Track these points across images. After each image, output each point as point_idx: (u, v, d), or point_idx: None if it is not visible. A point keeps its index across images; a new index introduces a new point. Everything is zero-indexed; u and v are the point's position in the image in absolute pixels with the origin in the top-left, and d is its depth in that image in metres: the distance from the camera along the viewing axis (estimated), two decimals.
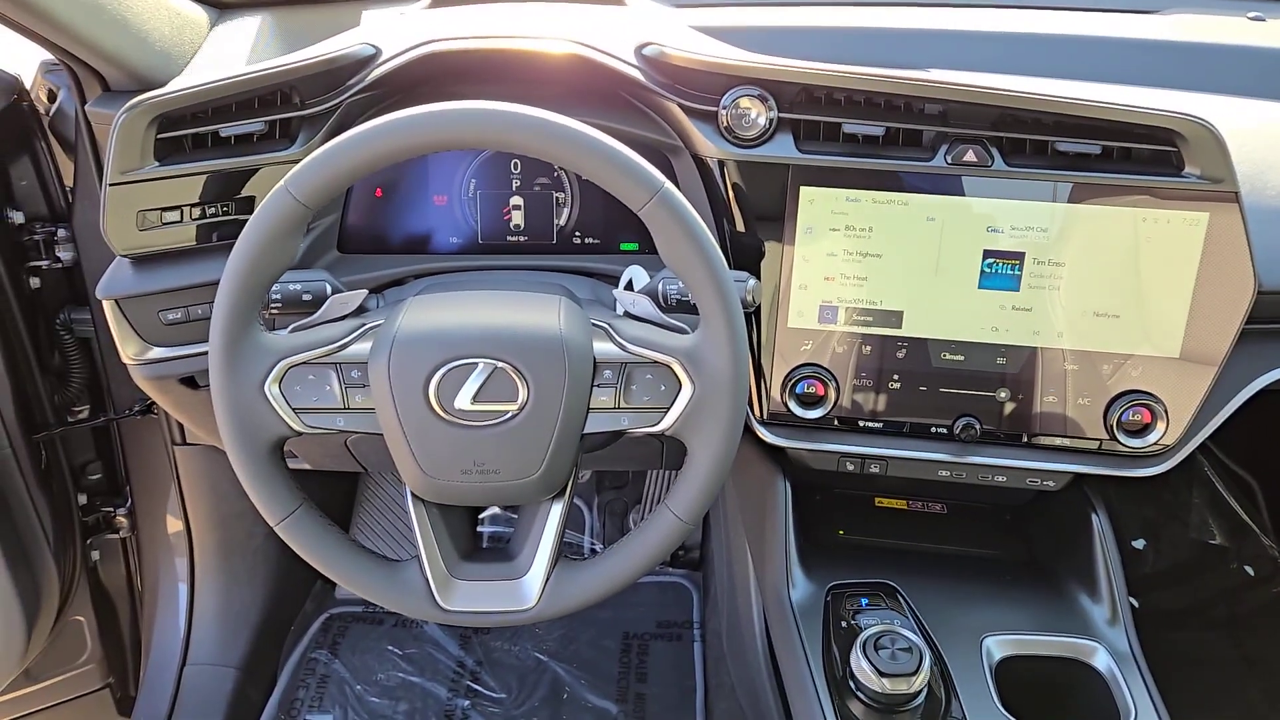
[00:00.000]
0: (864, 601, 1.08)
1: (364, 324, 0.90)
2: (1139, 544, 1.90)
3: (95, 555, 1.60)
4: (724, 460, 0.89)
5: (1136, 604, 1.85)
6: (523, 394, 0.86)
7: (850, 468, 1.15)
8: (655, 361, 0.89)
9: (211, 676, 1.55)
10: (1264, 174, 1.12)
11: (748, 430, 1.15)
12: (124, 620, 1.68)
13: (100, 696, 1.65)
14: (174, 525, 1.60)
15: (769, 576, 1.12)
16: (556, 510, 0.93)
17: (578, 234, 1.16)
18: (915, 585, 1.10)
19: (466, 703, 1.60)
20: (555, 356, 0.86)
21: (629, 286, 1.02)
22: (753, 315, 1.08)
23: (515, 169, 1.14)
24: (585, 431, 0.90)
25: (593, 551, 1.85)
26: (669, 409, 0.89)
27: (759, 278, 1.06)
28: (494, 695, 1.62)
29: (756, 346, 1.08)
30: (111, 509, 1.60)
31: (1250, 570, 1.87)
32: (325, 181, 0.82)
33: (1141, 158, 1.01)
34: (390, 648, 1.68)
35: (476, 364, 0.85)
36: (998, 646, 1.04)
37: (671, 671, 1.65)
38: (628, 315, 0.94)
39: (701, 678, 1.64)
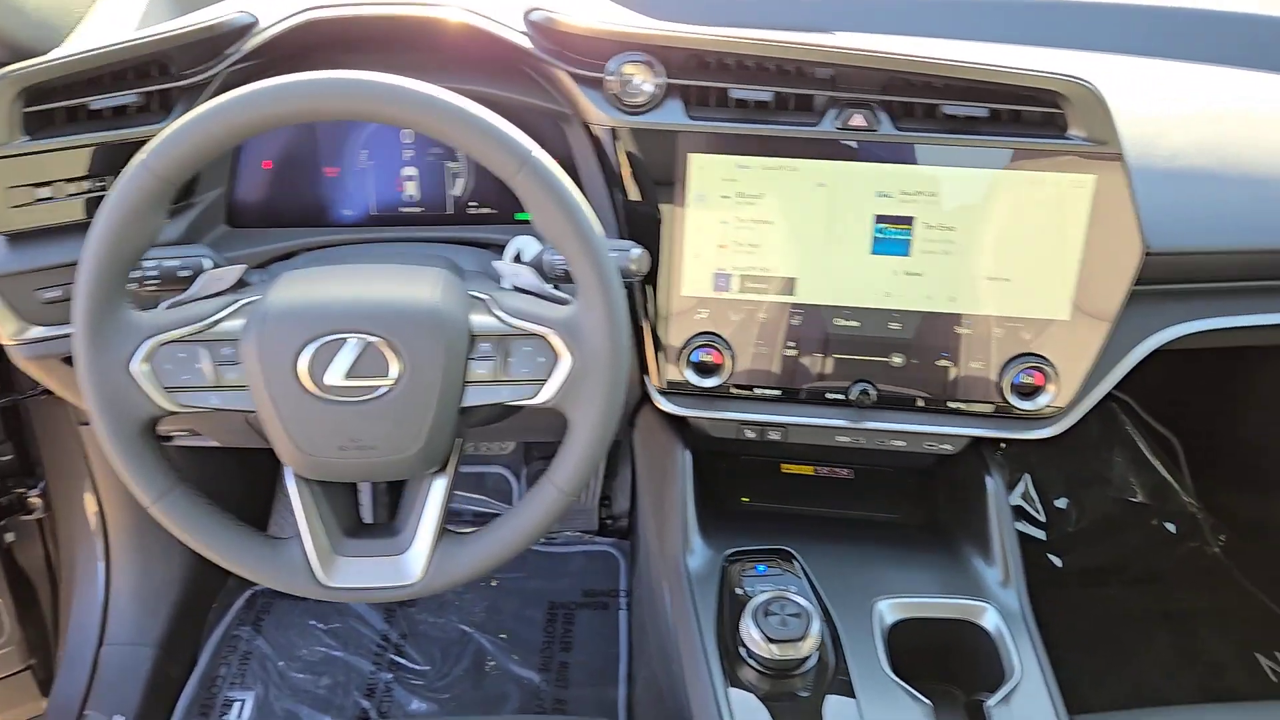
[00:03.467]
0: (761, 568, 1.08)
1: (238, 300, 0.88)
2: (1062, 503, 1.93)
3: (9, 537, 1.58)
4: (604, 431, 0.88)
5: (1060, 562, 1.88)
6: (396, 369, 0.85)
7: (750, 435, 1.15)
8: (533, 334, 0.88)
9: (129, 656, 1.53)
10: (1153, 136, 1.13)
11: (648, 400, 1.15)
12: (44, 602, 1.66)
13: (21, 679, 1.63)
14: (89, 505, 1.58)
15: (668, 544, 1.12)
16: (439, 485, 0.93)
17: (473, 204, 1.14)
18: (813, 550, 1.11)
19: (389, 676, 1.60)
20: (429, 330, 0.85)
21: (518, 258, 1.01)
22: (647, 284, 1.07)
23: (408, 139, 1.12)
24: (464, 405, 0.89)
25: None
26: (548, 381, 0.88)
27: (656, 247, 1.05)
28: (417, 668, 1.62)
29: (653, 316, 1.08)
30: (24, 490, 1.57)
31: (1171, 527, 1.91)
32: (184, 155, 0.80)
33: (1032, 120, 1.01)
34: (314, 623, 1.68)
35: (346, 339, 0.84)
36: (890, 610, 1.05)
37: (597, 639, 1.66)
38: (510, 287, 0.93)
39: (625, 645, 1.64)
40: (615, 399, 0.88)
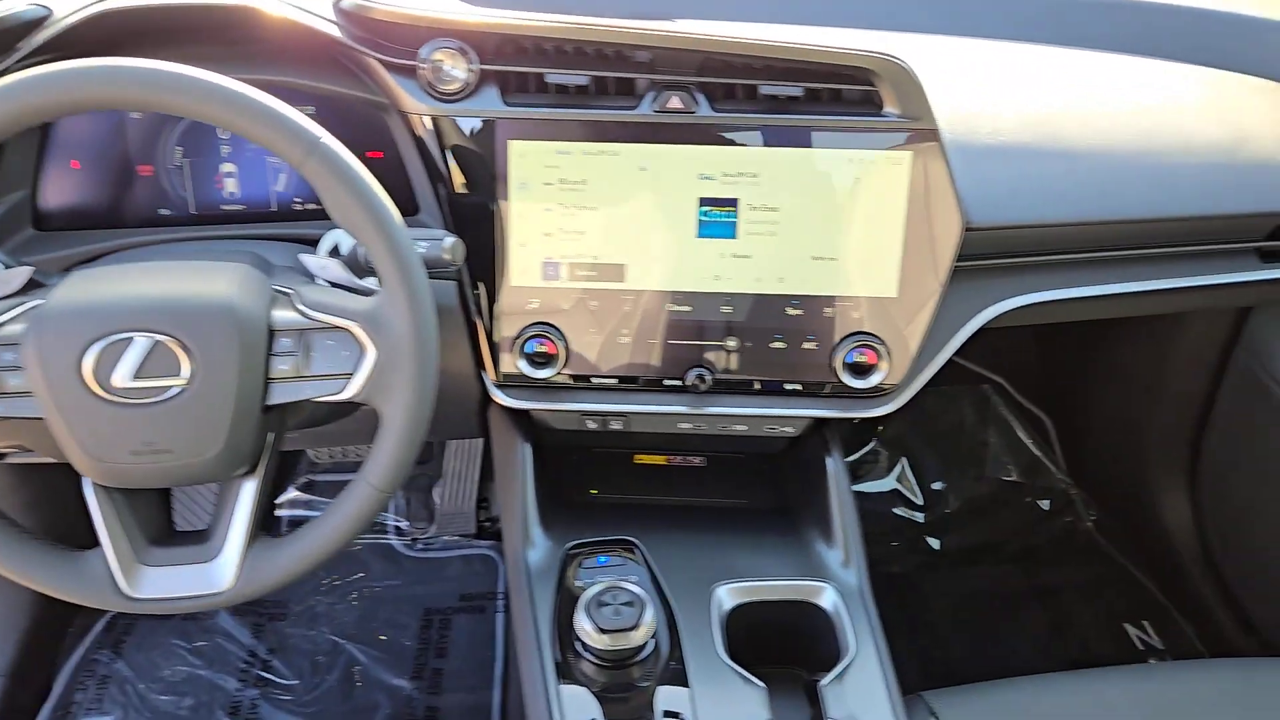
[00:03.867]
0: (602, 559, 1.07)
1: (22, 303, 0.84)
2: (939, 485, 1.95)
3: None
4: (415, 425, 0.86)
5: (938, 544, 1.90)
6: (188, 368, 0.82)
7: (592, 426, 1.14)
8: (335, 326, 0.85)
9: None
10: (972, 113, 1.14)
11: (488, 395, 1.13)
12: None
13: None
14: None
15: (510, 539, 1.10)
16: (249, 488, 0.89)
17: (298, 200, 1.11)
18: (657, 539, 1.10)
19: (255, 692, 1.55)
20: (221, 327, 0.82)
21: (335, 252, 0.98)
22: (478, 278, 1.05)
23: (225, 134, 1.09)
24: (269, 403, 0.86)
25: (398, 530, 1.82)
26: (354, 375, 0.86)
27: (483, 238, 1.03)
28: (285, 682, 1.57)
29: (485, 308, 1.06)
30: None
31: (1044, 504, 1.94)
32: None
33: (850, 99, 1.01)
34: (177, 642, 1.62)
35: (133, 338, 0.81)
36: (729, 595, 1.04)
37: (472, 644, 1.63)
38: (319, 281, 0.91)
39: (501, 648, 1.62)
40: (424, 391, 0.86)
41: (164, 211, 1.10)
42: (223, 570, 0.89)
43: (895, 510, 1.90)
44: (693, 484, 1.26)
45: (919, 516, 1.90)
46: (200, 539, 0.91)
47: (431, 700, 1.55)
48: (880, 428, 1.96)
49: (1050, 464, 1.95)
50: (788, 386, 1.09)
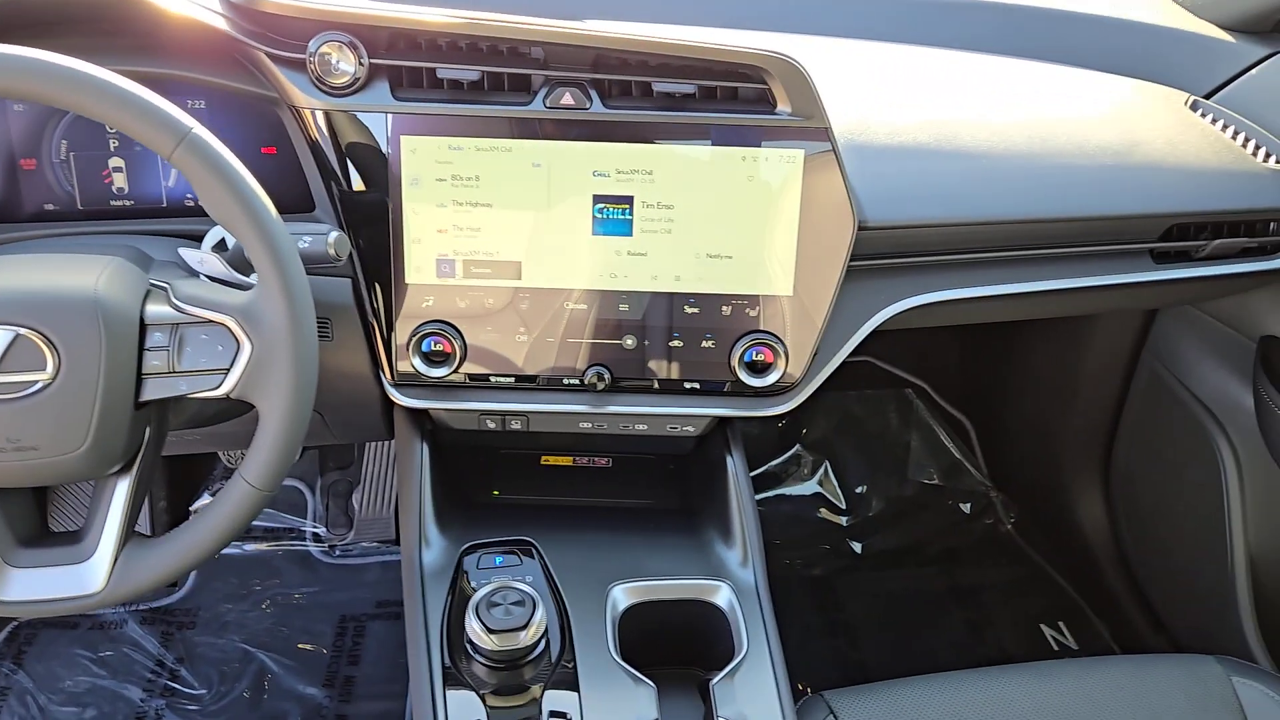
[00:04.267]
0: (498, 560, 1.06)
1: None
2: (861, 489, 1.96)
3: None
4: (294, 421, 0.84)
5: (859, 548, 1.91)
6: (51, 362, 0.80)
7: (492, 425, 1.13)
8: (210, 320, 0.84)
9: None
10: (868, 113, 1.15)
11: (385, 395, 1.12)
12: None
13: None
14: None
15: (406, 539, 1.08)
16: (123, 487, 0.87)
17: (189, 197, 1.09)
18: (556, 540, 1.09)
19: (162, 702, 1.52)
20: (87, 319, 0.80)
21: (221, 247, 0.96)
22: (373, 278, 1.04)
23: (112, 129, 1.07)
24: (144, 399, 0.84)
25: (315, 537, 1.79)
26: (230, 370, 0.84)
27: (377, 235, 1.02)
28: (192, 692, 1.54)
29: (379, 306, 1.05)
30: None
31: (966, 507, 1.96)
32: None
33: (745, 97, 1.01)
34: (81, 652, 1.58)
35: None
36: (624, 594, 1.03)
37: (386, 651, 1.61)
38: (199, 277, 0.89)
39: None
40: (303, 387, 0.84)
41: (49, 207, 1.07)
42: (95, 572, 0.87)
43: (818, 514, 1.91)
44: (598, 485, 1.25)
45: (842, 520, 1.91)
46: (73, 540, 0.88)
47: (342, 708, 1.52)
48: (804, 430, 1.97)
49: (971, 467, 1.97)
50: (687, 385, 1.08)
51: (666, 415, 1.11)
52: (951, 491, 1.95)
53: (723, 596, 1.04)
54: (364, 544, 1.78)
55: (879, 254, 1.09)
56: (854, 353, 2.04)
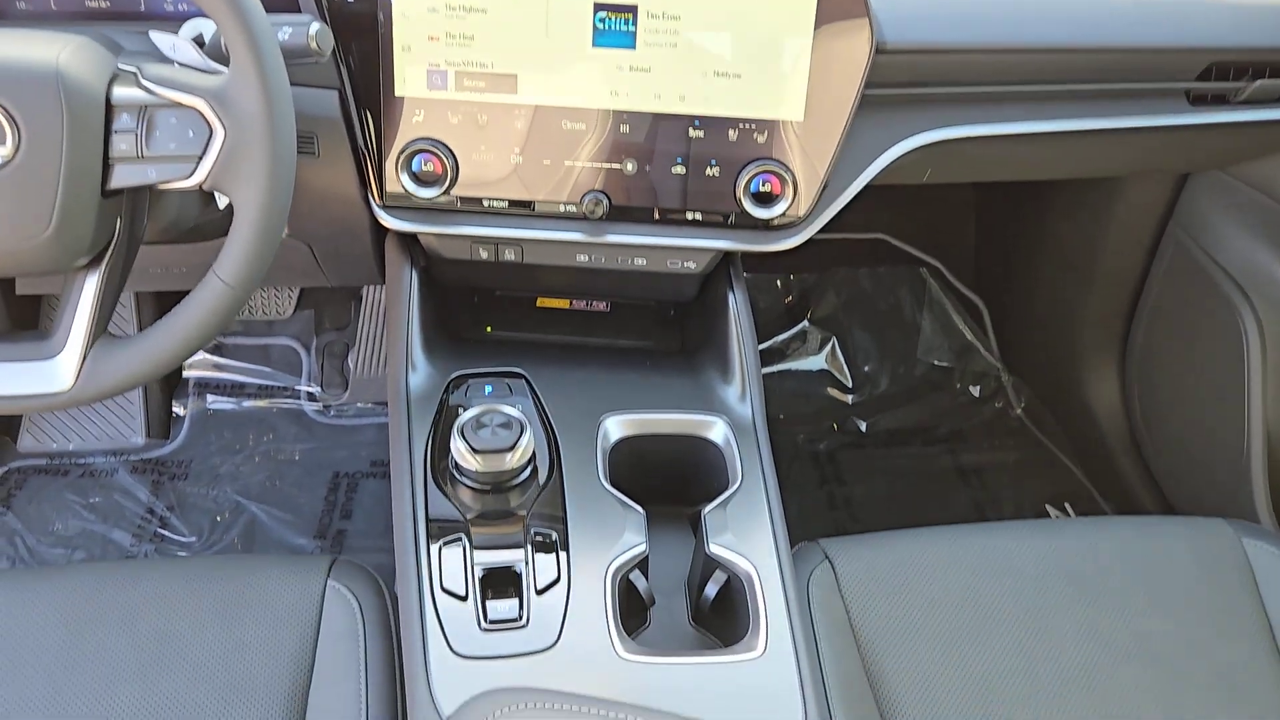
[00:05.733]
0: (488, 389, 1.02)
1: None
2: (869, 368, 1.92)
3: None
4: (269, 214, 0.80)
5: (864, 427, 1.88)
6: (11, 139, 0.75)
7: (484, 255, 1.08)
8: (180, 104, 0.79)
9: None
10: None
11: (375, 220, 1.07)
12: None
13: None
14: None
15: (393, 363, 1.04)
16: (91, 282, 0.83)
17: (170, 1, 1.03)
18: (548, 373, 1.05)
19: (151, 547, 1.51)
20: (48, 93, 0.75)
21: (198, 42, 0.91)
22: (360, 85, 0.98)
23: None
24: (111, 187, 0.80)
25: (310, 396, 1.76)
26: (202, 158, 0.79)
27: (364, 44, 0.96)
28: (182, 539, 1.53)
29: (369, 120, 0.99)
30: None
31: (976, 390, 1.92)
32: None
33: None
34: (71, 497, 1.57)
35: None
36: (617, 426, 1.00)
37: (378, 507, 1.59)
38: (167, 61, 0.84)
39: None
40: (279, 177, 0.79)
41: (22, 5, 1.02)
42: (62, 369, 0.83)
43: (824, 391, 1.87)
44: (595, 327, 1.21)
45: (848, 398, 1.87)
46: (41, 336, 0.85)
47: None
48: (813, 307, 1.92)
49: (983, 349, 1.92)
50: (689, 216, 1.03)
51: (667, 248, 1.06)
52: (962, 373, 1.91)
53: (718, 432, 1.00)
54: (359, 405, 1.76)
55: (897, 83, 1.03)
56: (867, 229, 2.00)
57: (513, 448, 0.89)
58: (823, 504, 1.70)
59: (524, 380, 1.04)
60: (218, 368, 1.74)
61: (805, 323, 1.91)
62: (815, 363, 1.88)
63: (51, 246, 0.79)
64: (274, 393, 1.74)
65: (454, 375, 1.03)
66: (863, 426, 1.84)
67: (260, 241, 0.80)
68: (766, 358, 1.88)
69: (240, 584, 1.00)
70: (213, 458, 1.65)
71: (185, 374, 1.74)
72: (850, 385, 1.88)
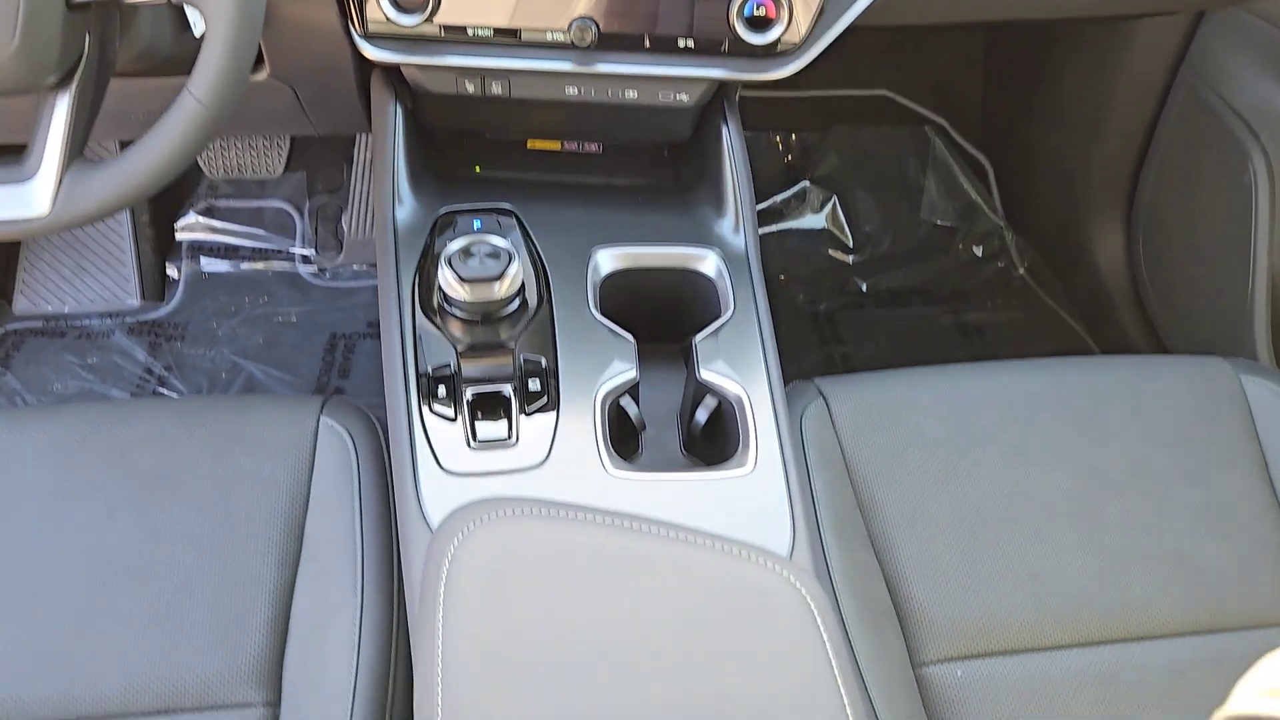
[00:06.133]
0: (477, 224, 1.01)
1: None
2: (871, 228, 1.89)
3: None
4: (240, 27, 0.77)
5: (865, 287, 1.86)
6: None
7: (471, 88, 1.05)
8: None
9: None
10: None
11: (356, 51, 1.04)
12: None
13: None
14: None
15: (379, 199, 1.02)
16: (63, 103, 0.81)
17: None
18: (539, 209, 1.03)
19: None
20: None
21: None
22: None
23: None
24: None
25: (304, 259, 1.74)
26: None
27: None
28: (180, 397, 1.53)
29: None
30: None
31: (978, 250, 1.89)
32: None
33: None
34: (69, 358, 1.57)
35: None
36: (608, 259, 0.98)
37: (376, 366, 1.59)
38: None
39: None
40: None
41: None
42: (38, 193, 0.81)
43: (824, 252, 1.85)
44: (586, 168, 1.18)
45: (849, 258, 1.85)
46: (15, 159, 0.83)
47: None
48: (814, 166, 1.89)
49: (988, 209, 1.89)
50: (681, 44, 1.00)
51: (658, 78, 1.02)
52: (965, 234, 1.88)
53: (710, 264, 0.99)
54: (354, 267, 1.74)
55: None
56: (870, 85, 1.94)
57: (500, 276, 0.88)
58: (821, 364, 1.70)
59: (514, 216, 1.02)
60: (211, 230, 1.72)
61: (805, 182, 1.87)
62: (815, 221, 1.85)
63: (17, 62, 0.76)
64: (268, 255, 1.72)
65: (442, 211, 1.02)
66: (863, 287, 1.82)
67: (233, 55, 0.78)
68: (765, 218, 1.85)
69: (235, 422, 1.00)
70: (209, 320, 1.64)
71: (178, 236, 1.72)
72: (851, 246, 1.85)
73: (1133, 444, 1.05)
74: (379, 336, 1.65)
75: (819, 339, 1.73)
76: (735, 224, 1.03)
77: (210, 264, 1.70)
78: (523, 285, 0.90)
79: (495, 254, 0.89)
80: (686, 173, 1.16)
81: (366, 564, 0.91)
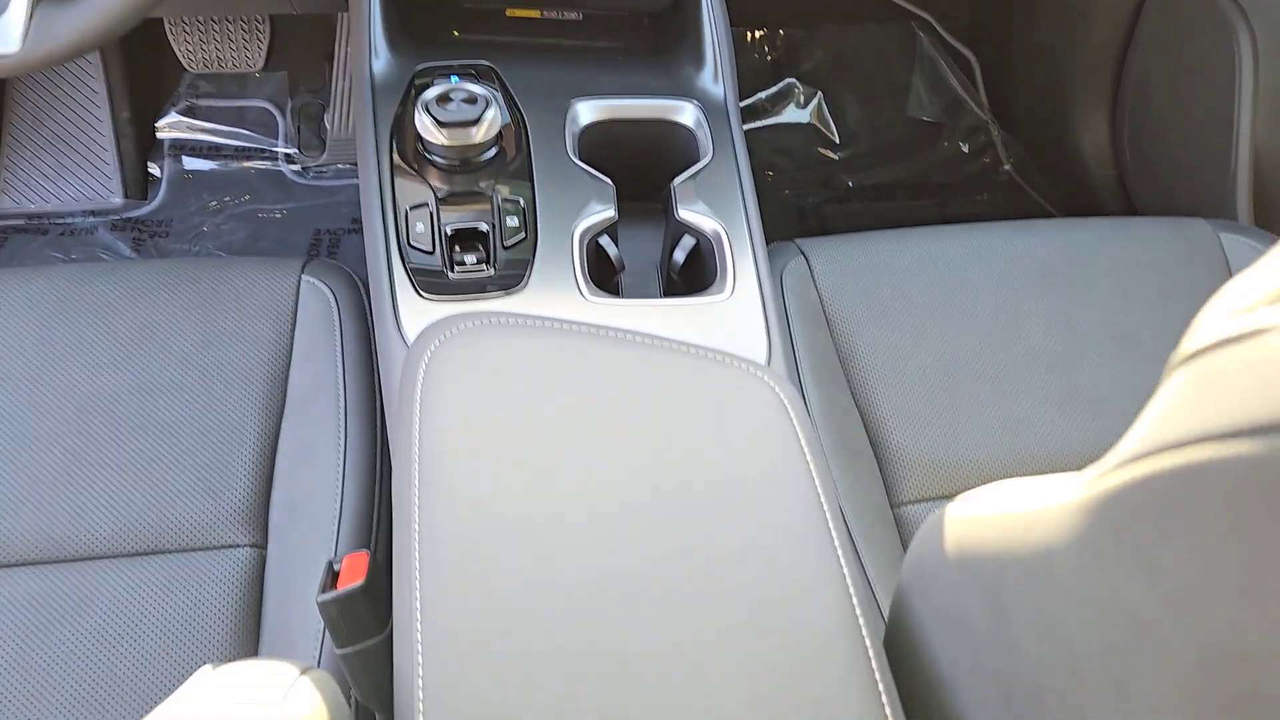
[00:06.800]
0: (455, 79, 1.00)
1: None
2: (856, 124, 1.88)
3: None
4: None
5: (851, 182, 1.86)
6: None
7: None
8: None
9: None
10: None
11: None
12: None
13: None
14: None
15: (355, 54, 1.02)
16: None
17: None
18: (517, 67, 1.02)
19: None
20: None
21: None
22: None
23: None
24: None
25: (288, 159, 1.73)
26: None
27: None
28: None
29: None
30: None
31: (964, 145, 1.89)
32: None
33: None
34: (55, 254, 1.56)
35: None
36: (587, 110, 0.98)
37: (361, 260, 1.58)
38: None
39: None
40: None
41: None
42: (8, 31, 0.81)
43: (809, 148, 1.84)
44: (567, 32, 1.17)
45: (834, 155, 1.84)
46: None
47: None
48: (799, 63, 1.87)
49: (974, 104, 1.88)
50: None
51: None
52: (952, 129, 1.87)
53: (689, 115, 0.99)
54: (338, 166, 1.73)
55: None
56: None
57: (478, 121, 0.88)
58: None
59: (493, 72, 1.01)
60: (192, 129, 1.71)
61: (791, 79, 1.86)
62: (800, 116, 1.84)
63: None
64: (251, 154, 1.71)
65: (419, 68, 1.01)
66: (850, 183, 1.82)
67: None
68: (750, 114, 1.84)
69: (217, 280, 1.00)
70: (193, 217, 1.64)
71: (159, 135, 1.70)
72: (837, 142, 1.85)
73: (1112, 299, 1.06)
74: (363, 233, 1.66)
75: (804, 233, 1.72)
76: (715, 74, 1.02)
77: (193, 162, 1.69)
78: (500, 134, 0.90)
79: (472, 99, 0.89)
80: (666, 37, 1.15)
81: (350, 410, 0.92)
